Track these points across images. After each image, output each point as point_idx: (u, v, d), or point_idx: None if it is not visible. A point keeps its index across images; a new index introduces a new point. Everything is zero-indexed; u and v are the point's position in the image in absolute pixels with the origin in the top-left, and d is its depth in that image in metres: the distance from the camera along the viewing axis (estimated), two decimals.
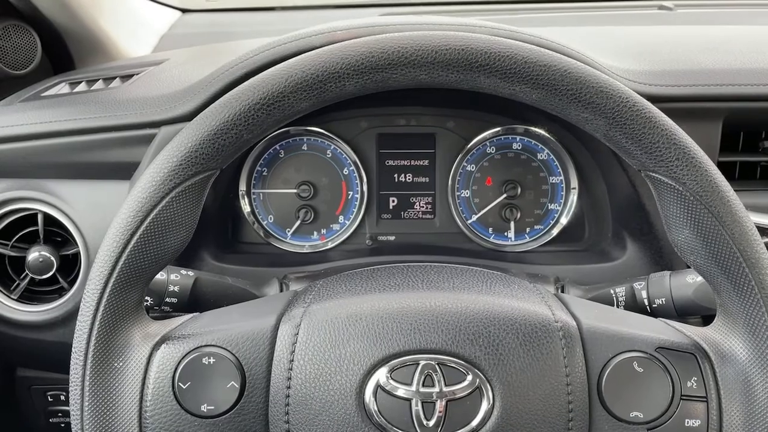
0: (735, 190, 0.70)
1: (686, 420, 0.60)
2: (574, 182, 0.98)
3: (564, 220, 0.99)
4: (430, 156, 1.01)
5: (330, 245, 1.01)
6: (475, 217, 1.01)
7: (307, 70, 0.58)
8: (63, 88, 0.99)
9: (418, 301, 0.63)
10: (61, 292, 0.91)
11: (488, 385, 0.59)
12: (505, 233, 1.00)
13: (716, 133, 0.84)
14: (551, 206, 1.00)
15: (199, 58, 1.05)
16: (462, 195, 1.01)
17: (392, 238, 1.02)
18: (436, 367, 0.59)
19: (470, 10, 1.56)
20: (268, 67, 0.61)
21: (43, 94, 0.97)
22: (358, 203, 1.00)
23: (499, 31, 0.79)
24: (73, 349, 0.60)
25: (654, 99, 0.80)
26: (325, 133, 0.99)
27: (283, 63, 0.60)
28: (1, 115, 0.92)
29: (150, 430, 0.60)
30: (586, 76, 0.57)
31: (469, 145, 0.99)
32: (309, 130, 0.98)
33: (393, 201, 1.02)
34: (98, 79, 0.99)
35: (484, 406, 0.58)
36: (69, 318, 0.89)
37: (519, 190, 0.99)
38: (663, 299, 0.75)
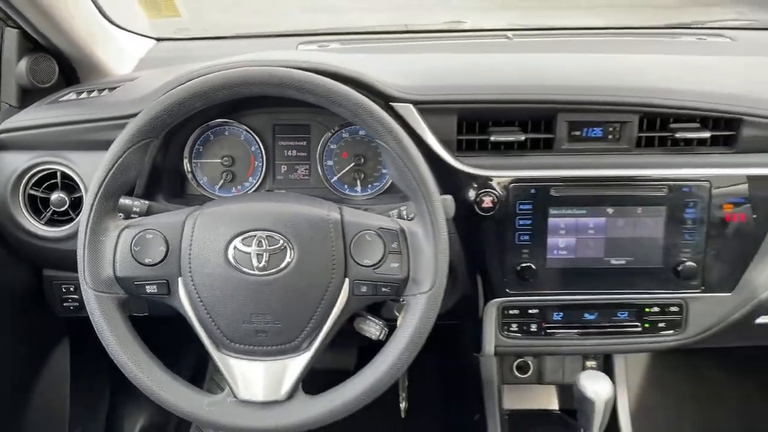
0: (472, 156, 1.22)
1: (391, 264, 1.11)
2: None
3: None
4: (307, 139, 1.43)
5: None
6: (335, 178, 1.44)
7: (196, 89, 1.09)
8: (72, 96, 1.42)
9: (260, 206, 1.14)
10: (70, 221, 1.40)
11: (292, 247, 1.10)
12: (355, 188, 1.49)
13: (453, 123, 1.27)
14: (384, 171, 1.48)
15: (160, 76, 1.56)
16: (327, 164, 1.44)
17: (283, 191, 1.54)
18: (265, 237, 1.10)
19: (368, 38, 1.95)
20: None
21: (59, 99, 1.44)
22: (261, 169, 1.47)
23: (299, 63, 1.15)
24: (78, 230, 1.13)
25: (412, 102, 1.33)
26: (239, 124, 1.42)
27: (185, 84, 1.11)
28: (35, 113, 1.41)
29: (118, 272, 1.11)
30: (336, 89, 1.09)
31: (331, 132, 1.47)
32: (229, 122, 1.46)
33: (284, 168, 1.45)
34: (94, 90, 1.46)
35: (287, 257, 1.10)
36: (76, 234, 1.39)
37: (363, 160, 1.46)
38: (413, 214, 1.28)
